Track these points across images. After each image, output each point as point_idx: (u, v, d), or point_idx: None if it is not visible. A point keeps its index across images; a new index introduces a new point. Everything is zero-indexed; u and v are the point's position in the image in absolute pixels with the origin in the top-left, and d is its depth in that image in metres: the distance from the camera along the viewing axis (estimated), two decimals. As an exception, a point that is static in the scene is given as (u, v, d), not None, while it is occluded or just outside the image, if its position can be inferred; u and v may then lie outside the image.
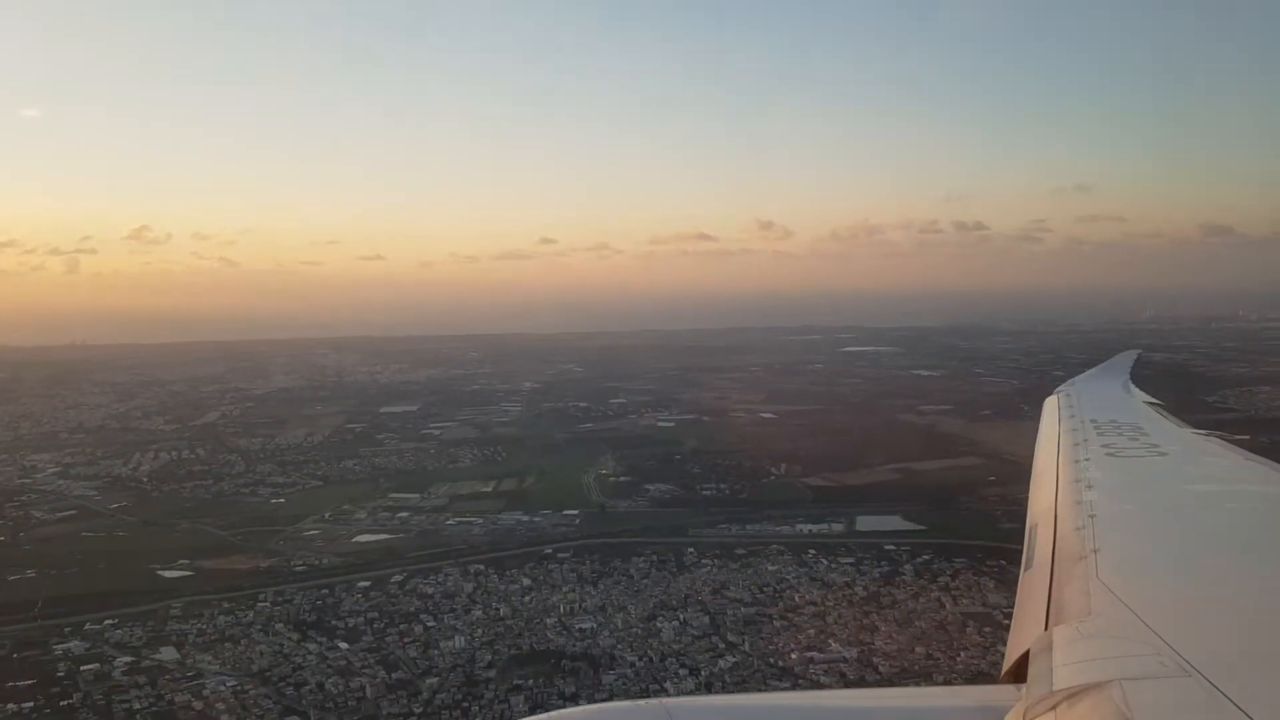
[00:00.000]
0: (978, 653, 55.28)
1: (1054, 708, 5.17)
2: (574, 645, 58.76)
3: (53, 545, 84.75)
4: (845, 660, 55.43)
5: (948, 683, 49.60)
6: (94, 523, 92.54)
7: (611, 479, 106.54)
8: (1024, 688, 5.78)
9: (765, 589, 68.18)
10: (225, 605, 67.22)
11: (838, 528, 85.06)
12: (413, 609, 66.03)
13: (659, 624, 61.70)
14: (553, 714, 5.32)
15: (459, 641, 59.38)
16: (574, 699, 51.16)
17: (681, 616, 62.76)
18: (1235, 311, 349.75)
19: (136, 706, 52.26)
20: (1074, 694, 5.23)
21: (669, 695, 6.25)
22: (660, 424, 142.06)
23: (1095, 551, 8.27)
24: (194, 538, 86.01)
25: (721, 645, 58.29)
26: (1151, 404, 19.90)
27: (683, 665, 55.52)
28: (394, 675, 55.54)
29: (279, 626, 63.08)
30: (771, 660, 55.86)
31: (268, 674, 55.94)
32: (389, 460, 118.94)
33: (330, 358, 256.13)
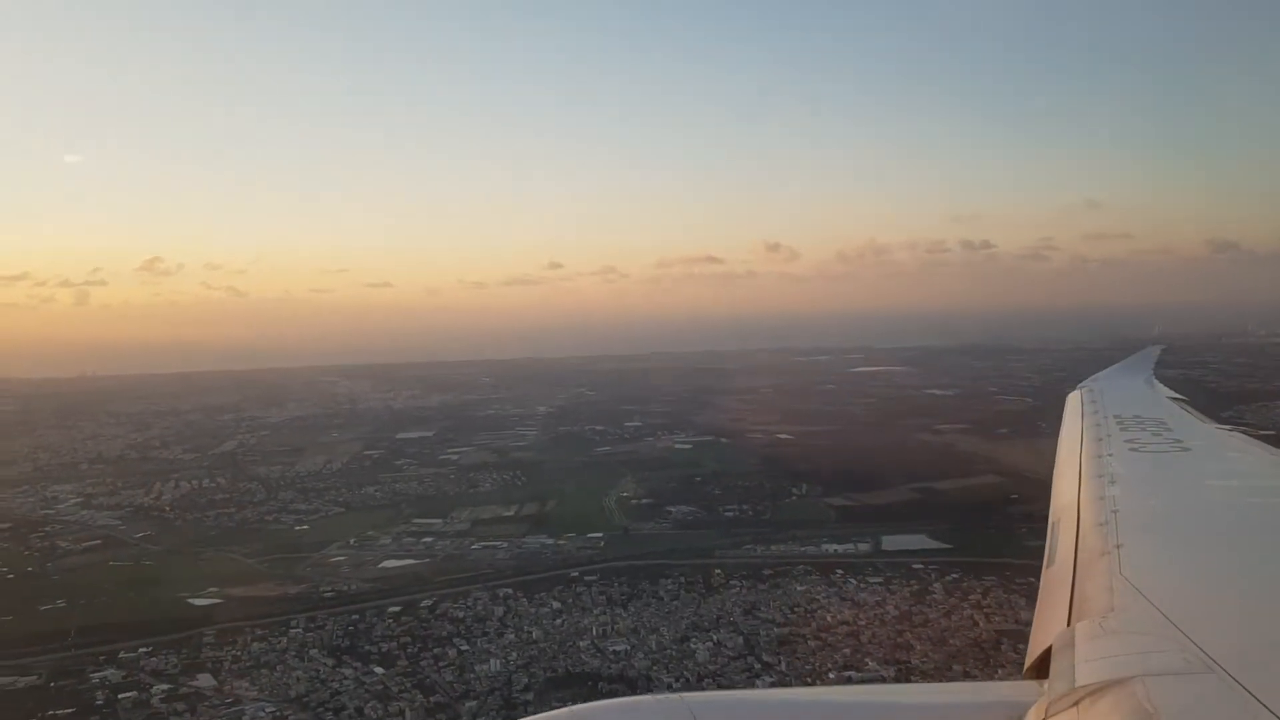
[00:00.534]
0: (1014, 670, 55.08)
1: (1076, 704, 5.13)
2: (609, 667, 58.83)
3: (80, 574, 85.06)
4: (884, 679, 55.40)
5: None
6: (120, 552, 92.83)
7: (633, 501, 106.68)
8: (1046, 684, 5.73)
9: (796, 609, 68.16)
10: (258, 632, 67.39)
11: (864, 547, 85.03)
12: (445, 633, 66.15)
13: (693, 645, 61.77)
14: (575, 708, 5.35)
15: (494, 665, 59.48)
16: None
17: (715, 637, 62.80)
18: (1244, 327, 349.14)
19: (177, 733, 52.44)
20: (1096, 690, 5.17)
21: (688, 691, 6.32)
22: (677, 446, 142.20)
23: (1118, 547, 8.19)
24: (221, 565, 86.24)
25: (758, 665, 58.33)
26: (1175, 399, 19.58)
27: (720, 686, 55.49)
28: (432, 699, 55.64)
29: (313, 652, 63.23)
30: (809, 680, 55.79)
31: (306, 700, 56.08)
32: (409, 486, 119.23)
33: (342, 385, 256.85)
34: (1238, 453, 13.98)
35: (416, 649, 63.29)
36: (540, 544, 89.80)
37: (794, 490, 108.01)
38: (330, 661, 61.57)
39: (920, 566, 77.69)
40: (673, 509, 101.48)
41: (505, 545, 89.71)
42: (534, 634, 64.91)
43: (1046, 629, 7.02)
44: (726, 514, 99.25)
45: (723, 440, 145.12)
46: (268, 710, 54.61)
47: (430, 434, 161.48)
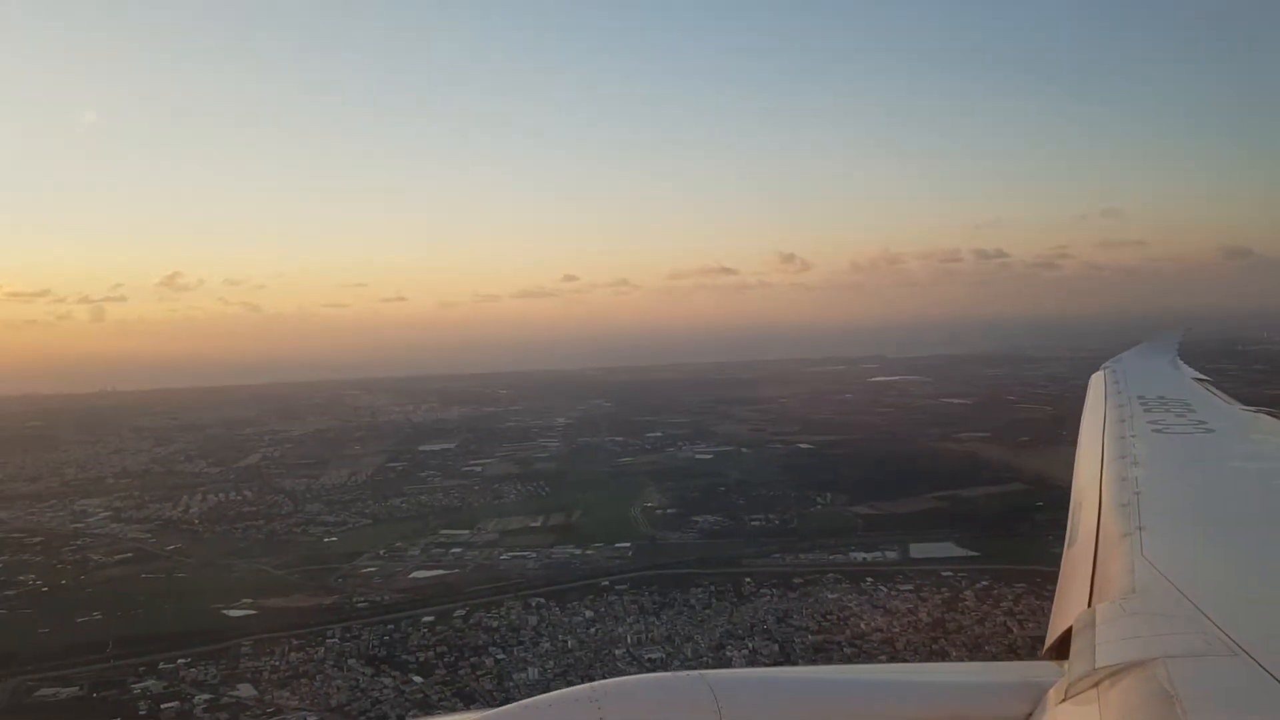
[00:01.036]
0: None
1: (1096, 685, 5.10)
2: (646, 675, 59.09)
3: (114, 587, 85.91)
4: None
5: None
6: (151, 565, 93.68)
7: (658, 511, 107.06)
8: (1066, 664, 5.70)
9: (829, 616, 68.43)
10: (294, 642, 67.98)
11: (891, 555, 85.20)
12: (480, 642, 66.63)
13: (728, 652, 62.10)
14: (595, 684, 5.43)
15: (532, 673, 60.00)
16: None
17: (750, 645, 63.14)
18: (1260, 334, 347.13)
19: (223, 742, 53.04)
20: (1117, 671, 5.13)
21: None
22: (699, 456, 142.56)
23: (1140, 528, 8.09)
24: (253, 577, 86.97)
25: (794, 672, 58.55)
26: (1200, 380, 19.39)
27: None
28: (472, 707, 55.98)
29: (351, 662, 63.83)
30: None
31: (347, 709, 56.63)
32: (434, 498, 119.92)
33: (362, 399, 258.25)
34: (1263, 434, 13.69)
35: (454, 658, 63.80)
36: (569, 554, 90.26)
37: (818, 499, 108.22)
38: (369, 671, 62.11)
39: (950, 574, 77.80)
40: (698, 518, 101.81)
41: (534, 555, 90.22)
42: (569, 642, 65.38)
43: (1067, 610, 6.93)
44: (752, 523, 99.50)
45: (744, 450, 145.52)
46: (310, 719, 55.20)
47: (452, 446, 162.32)
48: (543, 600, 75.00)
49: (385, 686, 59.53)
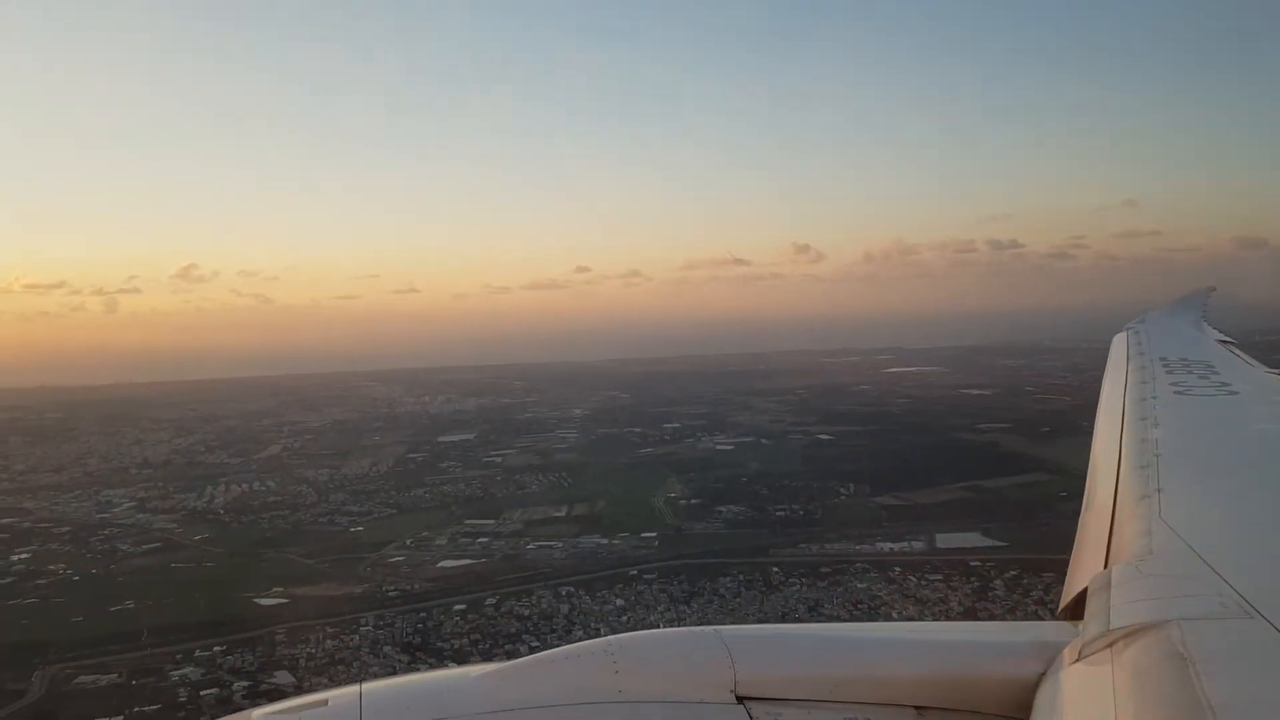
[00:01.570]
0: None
1: (1110, 645, 5.03)
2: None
3: (144, 576, 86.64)
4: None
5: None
6: (180, 554, 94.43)
7: (681, 501, 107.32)
8: (1081, 625, 5.61)
9: (860, 605, 68.66)
10: (328, 630, 68.52)
11: (918, 545, 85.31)
12: (513, 630, 67.11)
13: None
14: (612, 638, 5.42)
15: (567, 661, 60.18)
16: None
17: (783, 633, 63.23)
18: (1278, 324, 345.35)
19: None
20: (1131, 632, 5.04)
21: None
22: (719, 447, 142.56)
23: (1159, 490, 7.91)
24: (282, 566, 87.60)
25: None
26: (1225, 342, 18.64)
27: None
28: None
29: (386, 649, 64.34)
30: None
31: (385, 695, 56.93)
32: (457, 488, 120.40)
33: (378, 390, 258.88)
34: None
35: (488, 645, 64.22)
36: (595, 544, 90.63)
37: (841, 490, 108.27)
38: (405, 658, 62.61)
39: (978, 564, 77.90)
40: (722, 509, 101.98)
41: (560, 545, 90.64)
42: (602, 630, 65.59)
43: (1083, 570, 6.78)
44: (777, 513, 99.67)
45: (764, 441, 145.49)
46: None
47: (471, 437, 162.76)
48: (572, 589, 75.43)
49: (422, 674, 59.87)
